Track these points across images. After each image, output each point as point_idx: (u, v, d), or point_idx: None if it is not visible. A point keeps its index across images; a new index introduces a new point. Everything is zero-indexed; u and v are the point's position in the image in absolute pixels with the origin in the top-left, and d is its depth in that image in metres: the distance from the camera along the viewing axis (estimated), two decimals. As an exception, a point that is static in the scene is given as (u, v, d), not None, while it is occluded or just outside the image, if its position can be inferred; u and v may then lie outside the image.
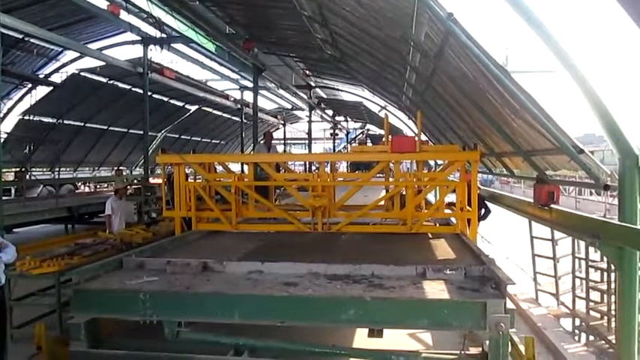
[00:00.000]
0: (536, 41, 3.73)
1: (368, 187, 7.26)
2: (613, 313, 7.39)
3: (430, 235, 5.68)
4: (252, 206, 6.15)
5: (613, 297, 7.45)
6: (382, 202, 6.39)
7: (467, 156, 5.71)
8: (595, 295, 8.34)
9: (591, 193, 20.49)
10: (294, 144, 46.89)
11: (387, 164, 6.13)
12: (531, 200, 6.71)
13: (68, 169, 19.14)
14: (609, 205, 16.65)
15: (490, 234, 12.50)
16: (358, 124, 37.46)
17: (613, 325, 7.36)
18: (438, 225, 5.95)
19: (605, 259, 7.98)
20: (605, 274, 7.98)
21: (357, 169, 21.81)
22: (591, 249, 8.27)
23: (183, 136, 25.22)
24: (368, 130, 36.37)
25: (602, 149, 17.76)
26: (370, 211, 6.01)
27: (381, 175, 7.03)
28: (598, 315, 8.02)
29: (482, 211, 8.08)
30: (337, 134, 37.22)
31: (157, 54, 13.78)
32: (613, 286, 7.54)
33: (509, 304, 3.06)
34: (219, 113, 25.58)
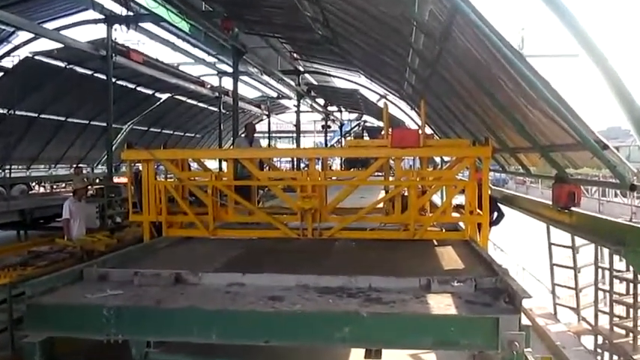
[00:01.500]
0: (555, 21, 3.79)
1: (365, 187, 7.33)
2: (640, 329, 7.53)
3: (435, 242, 5.73)
4: (231, 209, 6.18)
5: (640, 311, 7.59)
6: (381, 205, 6.47)
7: (477, 152, 5.75)
8: (620, 310, 8.40)
9: (616, 195, 20.63)
10: (280, 138, 46.87)
11: (387, 161, 6.16)
12: (549, 202, 6.79)
13: (20, 167, 18.91)
14: (636, 207, 16.83)
15: (503, 241, 12.64)
16: (353, 115, 37.54)
17: (640, 342, 7.50)
18: (444, 230, 5.98)
19: (631, 268, 8.05)
20: (632, 285, 8.08)
21: (353, 167, 21.74)
22: (616, 257, 8.40)
23: (152, 129, 25.03)
24: (365, 122, 36.26)
25: (628, 145, 17.95)
26: (367, 214, 6.05)
27: (379, 174, 7.06)
28: (623, 332, 8.09)
29: (495, 214, 8.17)
30: (329, 127, 37.19)
31: (122, 34, 13.89)
32: (640, 299, 7.69)
33: (525, 320, 3.08)
34: (194, 102, 25.45)
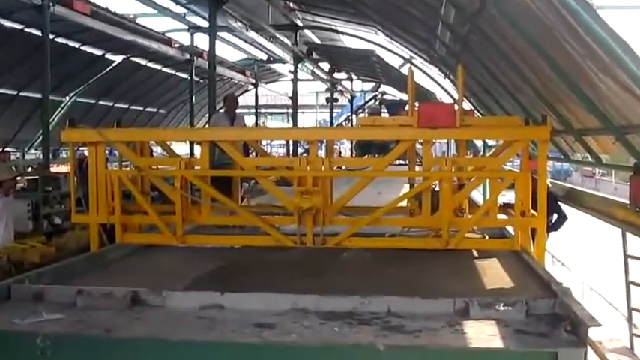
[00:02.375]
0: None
1: (383, 179, 7.30)
2: None
3: (476, 253, 5.83)
4: (206, 208, 6.23)
5: None
6: (404, 203, 6.52)
7: (531, 134, 5.81)
8: None
9: None
10: (271, 114, 46.96)
11: (412, 146, 6.25)
12: (626, 201, 6.85)
13: None
14: None
15: (565, 251, 12.68)
16: (368, 85, 37.64)
17: None
18: (487, 238, 6.09)
19: None
20: None
21: (367, 153, 21.72)
22: None
23: (102, 102, 25.16)
24: (383, 93, 36.40)
25: None
26: (386, 216, 6.12)
27: (402, 163, 7.06)
28: None
29: (554, 216, 8.16)
30: (336, 100, 37.39)
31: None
32: None
33: (592, 356, 3.16)
34: (158, 67, 25.48)
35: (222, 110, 10.50)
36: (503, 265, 5.31)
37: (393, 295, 3.90)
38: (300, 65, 25.48)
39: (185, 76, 25.04)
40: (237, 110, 10.51)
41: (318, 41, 25.27)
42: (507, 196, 6.56)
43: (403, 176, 8.10)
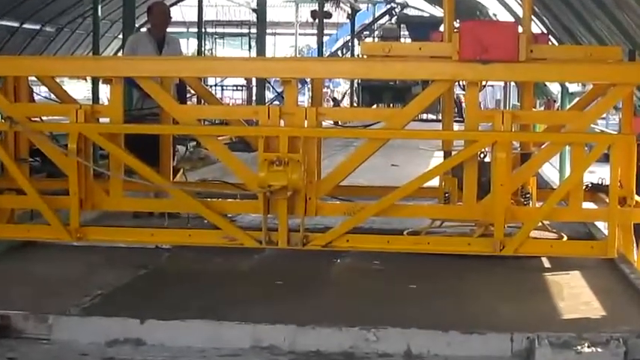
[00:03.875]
0: None
1: (401, 144, 7.34)
2: None
3: (547, 263, 5.99)
4: (118, 186, 6.29)
5: None
6: (435, 182, 6.60)
7: (635, 74, 5.92)
8: None
9: None
10: (223, 37, 46.58)
11: (450, 90, 6.39)
12: None
13: None
14: None
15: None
16: (379, -5, 37.48)
17: None
18: (565, 238, 6.24)
19: None
20: None
21: (377, 101, 21.69)
22: None
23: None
24: (403, 6, 36.67)
25: None
26: (405, 202, 6.21)
27: (432, 118, 6.99)
28: None
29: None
30: (329, 15, 37.01)
31: None
32: None
33: None
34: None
35: (144, 29, 10.50)
36: (589, 282, 5.38)
37: (414, 327, 3.97)
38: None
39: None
40: (169, 29, 10.45)
41: None
42: (598, 173, 6.60)
43: (433, 139, 8.38)
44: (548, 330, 3.95)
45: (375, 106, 21.00)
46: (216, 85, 31.20)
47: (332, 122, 8.40)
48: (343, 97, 37.43)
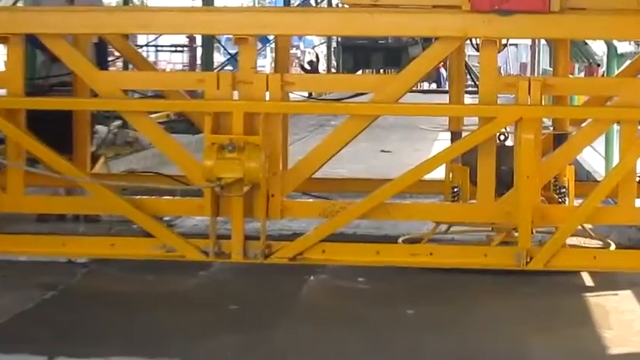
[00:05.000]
0: None
1: (394, 123, 7.25)
2: None
3: (590, 280, 6.16)
4: (17, 179, 6.39)
5: None
6: (440, 173, 6.83)
7: None
8: None
9: None
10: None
11: (460, 51, 6.65)
12: None
13: None
14: None
15: None
16: None
17: None
18: (613, 247, 6.38)
19: None
20: None
21: (363, 66, 21.88)
22: None
23: None
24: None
25: None
26: (400, 200, 6.44)
27: (436, 89, 7.04)
28: None
29: None
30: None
31: None
32: None
33: None
34: None
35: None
36: None
37: None
38: None
39: None
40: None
41: None
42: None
43: (437, 115, 8.29)
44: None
45: (360, 72, 21.13)
46: (148, 46, 31.14)
47: (303, 95, 8.44)
48: (318, 60, 37.63)
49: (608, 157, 9.78)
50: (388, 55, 17.60)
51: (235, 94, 5.99)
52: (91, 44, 7.26)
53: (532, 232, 5.80)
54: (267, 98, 5.94)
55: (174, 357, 4.31)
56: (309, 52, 36.84)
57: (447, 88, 6.88)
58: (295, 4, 32.13)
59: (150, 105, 6.59)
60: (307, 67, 35.08)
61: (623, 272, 5.88)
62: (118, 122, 8.06)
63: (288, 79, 6.23)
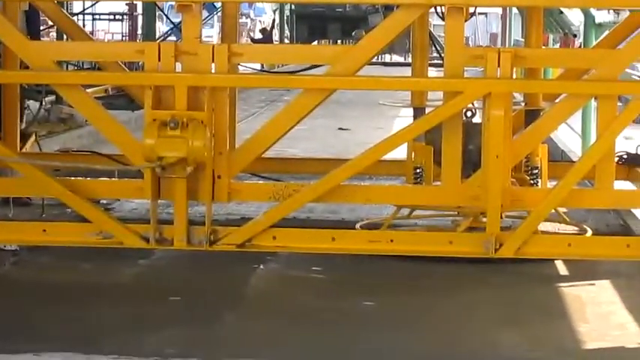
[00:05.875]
0: None
1: (353, 98, 7.04)
2: None
3: (563, 270, 6.10)
4: None
5: None
6: (402, 153, 6.82)
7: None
8: None
9: None
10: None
11: (422, 18, 6.51)
12: None
13: None
14: None
15: None
16: None
17: None
18: (589, 234, 6.16)
19: None
20: None
21: (319, 36, 21.84)
22: None
23: None
24: None
25: None
26: (357, 182, 6.33)
27: (398, 60, 6.75)
28: None
29: None
30: None
31: None
32: None
33: None
34: None
35: None
36: (623, 297, 5.52)
37: None
38: None
39: None
40: None
41: None
42: (637, 140, 6.37)
43: (399, 90, 8.23)
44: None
45: (315, 42, 21.10)
46: (84, 14, 30.82)
47: (254, 67, 8.17)
48: (272, 28, 37.60)
49: (585, 136, 9.62)
50: (346, 24, 17.62)
51: (179, 67, 5.55)
52: (21, 12, 6.88)
53: (502, 217, 5.57)
54: (214, 71, 5.57)
55: (113, 353, 4.28)
56: (260, 21, 36.62)
57: (410, 61, 6.61)
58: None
59: (85, 78, 6.33)
60: (260, 35, 35.04)
61: (600, 261, 5.57)
62: (51, 97, 7.70)
63: (235, 49, 6.02)
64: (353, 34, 25.06)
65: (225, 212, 6.04)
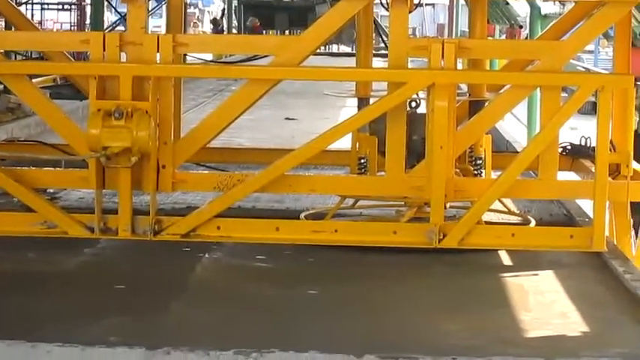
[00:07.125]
0: None
1: (299, 89, 7.05)
2: None
3: (507, 259, 6.19)
4: None
5: None
6: (346, 142, 6.85)
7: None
8: None
9: None
10: None
11: (367, 8, 6.71)
12: None
13: None
14: None
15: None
16: None
17: None
18: (533, 224, 6.45)
19: None
20: None
21: (266, 26, 21.79)
22: None
23: None
24: None
25: None
26: (303, 172, 6.54)
27: (345, 50, 6.81)
28: None
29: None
30: None
31: None
32: None
33: None
34: None
35: None
36: (566, 287, 5.56)
37: (313, 350, 4.24)
38: None
39: None
40: None
41: None
42: (581, 131, 6.46)
43: (344, 80, 8.28)
44: (507, 354, 4.13)
45: (264, 32, 21.07)
46: (32, 4, 30.47)
47: (203, 58, 8.20)
48: (222, 18, 37.42)
49: (530, 126, 9.73)
50: (294, 14, 17.69)
51: (123, 57, 5.60)
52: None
53: (445, 207, 5.70)
54: (158, 61, 5.63)
55: (55, 341, 4.22)
56: (208, 11, 36.65)
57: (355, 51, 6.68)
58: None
59: (30, 67, 6.39)
60: (210, 26, 35.13)
61: (543, 251, 5.68)
62: (-1, 87, 7.72)
63: (181, 40, 6.08)
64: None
65: (172, 201, 6.07)
